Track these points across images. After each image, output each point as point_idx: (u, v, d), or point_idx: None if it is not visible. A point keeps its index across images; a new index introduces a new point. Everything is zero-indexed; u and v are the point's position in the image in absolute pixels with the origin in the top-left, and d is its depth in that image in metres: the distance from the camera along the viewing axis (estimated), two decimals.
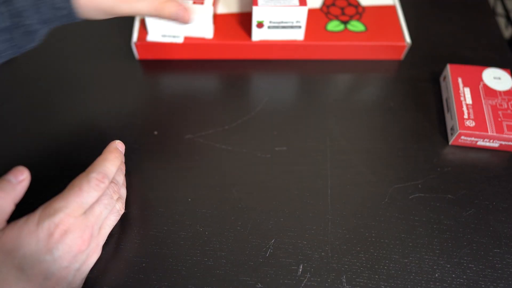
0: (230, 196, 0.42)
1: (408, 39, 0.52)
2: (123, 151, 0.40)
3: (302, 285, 0.37)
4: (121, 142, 0.39)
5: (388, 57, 0.54)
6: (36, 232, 0.30)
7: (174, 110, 0.48)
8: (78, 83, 0.50)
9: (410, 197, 0.43)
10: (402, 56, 0.54)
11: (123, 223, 0.40)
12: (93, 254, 0.34)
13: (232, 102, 0.50)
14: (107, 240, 0.37)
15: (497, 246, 0.40)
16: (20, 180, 0.34)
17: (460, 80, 0.48)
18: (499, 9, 0.74)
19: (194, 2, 0.48)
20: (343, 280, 0.38)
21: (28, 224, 0.30)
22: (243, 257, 0.39)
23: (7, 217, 0.33)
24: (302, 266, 0.38)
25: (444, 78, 0.51)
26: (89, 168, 0.35)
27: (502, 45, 0.56)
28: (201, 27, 0.49)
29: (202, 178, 0.43)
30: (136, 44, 0.50)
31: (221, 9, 0.54)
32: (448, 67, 0.50)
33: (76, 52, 0.53)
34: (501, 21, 0.73)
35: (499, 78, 0.49)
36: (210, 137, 0.46)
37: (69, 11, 0.34)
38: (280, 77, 0.52)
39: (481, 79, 0.48)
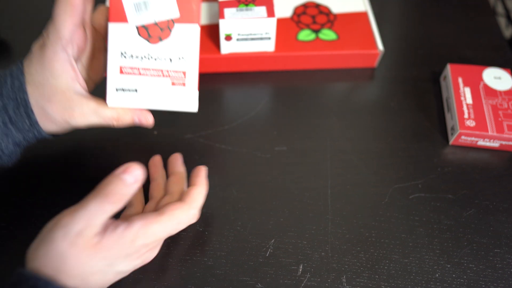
0: (230, 196, 0.42)
1: (380, 46, 0.51)
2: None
3: (302, 285, 0.37)
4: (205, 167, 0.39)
5: (361, 65, 0.53)
6: (128, 248, 0.32)
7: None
8: None
9: (410, 197, 0.43)
10: (375, 63, 0.53)
11: None
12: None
13: (231, 102, 0.49)
14: None
15: (498, 246, 0.40)
16: (136, 179, 0.32)
17: (460, 80, 0.48)
18: (500, 9, 0.74)
19: (173, 84, 0.37)
20: (343, 280, 0.38)
21: (125, 237, 0.32)
22: (243, 257, 0.39)
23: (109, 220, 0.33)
24: (302, 266, 0.38)
25: (444, 78, 0.51)
26: (190, 199, 0.35)
27: (503, 45, 0.56)
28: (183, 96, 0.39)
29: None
30: None
31: None
32: (449, 67, 0.50)
33: None
34: (502, 20, 0.73)
35: (500, 78, 0.49)
36: (210, 137, 0.46)
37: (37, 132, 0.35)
38: (279, 82, 0.52)
39: (481, 79, 0.48)
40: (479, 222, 0.41)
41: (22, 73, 0.33)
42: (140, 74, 0.35)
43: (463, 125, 0.45)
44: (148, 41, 0.35)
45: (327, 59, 0.52)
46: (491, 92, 0.47)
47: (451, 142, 0.47)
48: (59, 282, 0.30)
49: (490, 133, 0.44)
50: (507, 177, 0.45)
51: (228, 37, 0.48)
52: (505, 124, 0.45)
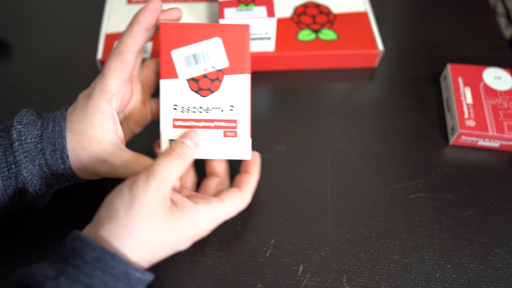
0: None
1: (380, 46, 0.51)
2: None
3: (302, 285, 0.37)
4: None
5: (361, 65, 0.53)
6: (193, 228, 0.33)
7: None
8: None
9: (411, 197, 0.43)
10: (375, 63, 0.53)
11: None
12: None
13: None
14: None
15: (498, 246, 0.40)
16: (195, 143, 0.35)
17: (460, 79, 0.48)
18: (500, 9, 0.74)
19: (225, 135, 0.37)
20: (343, 280, 0.38)
21: (191, 216, 0.32)
22: (243, 257, 0.39)
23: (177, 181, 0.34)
24: (302, 266, 0.38)
25: (445, 77, 0.50)
26: (248, 187, 0.37)
27: (503, 45, 0.56)
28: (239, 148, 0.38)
29: (202, 178, 0.43)
30: (101, 61, 0.49)
31: (189, 21, 0.51)
32: (449, 67, 0.50)
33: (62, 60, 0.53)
34: (502, 20, 0.73)
35: (500, 78, 0.49)
36: None
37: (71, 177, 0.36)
38: (278, 81, 0.52)
39: (481, 79, 0.48)
40: (479, 222, 0.41)
41: (64, 119, 0.34)
42: (192, 126, 0.36)
43: (463, 125, 0.45)
44: (198, 93, 0.36)
45: (327, 59, 0.52)
46: (491, 92, 0.47)
47: (451, 142, 0.47)
48: (126, 256, 0.29)
49: (490, 133, 0.44)
50: (507, 177, 0.44)
51: None
52: (505, 124, 0.45)
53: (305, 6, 0.54)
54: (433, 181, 0.44)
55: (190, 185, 0.39)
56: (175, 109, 0.36)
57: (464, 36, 0.57)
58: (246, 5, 0.47)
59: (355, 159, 0.45)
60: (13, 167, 0.33)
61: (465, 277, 0.38)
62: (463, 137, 0.45)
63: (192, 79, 0.36)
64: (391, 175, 0.44)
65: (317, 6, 0.55)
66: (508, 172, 0.45)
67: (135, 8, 0.53)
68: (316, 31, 0.52)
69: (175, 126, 0.36)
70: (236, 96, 0.36)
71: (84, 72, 0.51)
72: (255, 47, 0.49)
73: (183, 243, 0.33)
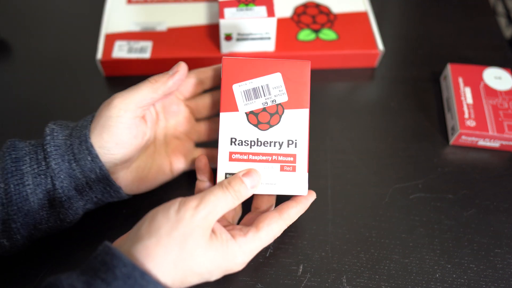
0: None
1: (380, 46, 0.51)
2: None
3: (302, 285, 0.37)
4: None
5: (361, 65, 0.53)
6: (229, 261, 0.32)
7: None
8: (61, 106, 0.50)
9: (411, 197, 0.43)
10: (375, 63, 0.53)
11: (119, 223, 0.40)
12: None
13: None
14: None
15: (498, 246, 0.40)
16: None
17: (460, 79, 0.48)
18: (500, 9, 0.74)
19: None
20: (343, 280, 0.38)
21: (229, 248, 0.32)
22: None
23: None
24: (302, 266, 0.38)
25: (445, 77, 0.50)
26: (289, 216, 0.35)
27: (503, 45, 0.56)
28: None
29: None
30: (101, 61, 0.49)
31: (189, 21, 0.52)
32: (449, 67, 0.50)
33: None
34: (502, 20, 0.72)
35: (500, 78, 0.48)
36: None
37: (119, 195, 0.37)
38: None
39: (481, 79, 0.48)
40: (479, 222, 0.41)
41: (91, 117, 0.36)
42: (249, 160, 0.36)
43: (463, 125, 0.45)
44: (257, 127, 0.36)
45: (327, 59, 0.52)
46: (491, 92, 0.47)
47: (451, 142, 0.46)
48: (157, 277, 0.28)
49: (490, 133, 0.44)
50: (507, 177, 0.44)
51: (228, 37, 0.48)
52: (505, 124, 0.45)
53: (305, 6, 0.54)
54: (433, 181, 0.44)
55: (231, 218, 0.38)
56: (233, 142, 0.36)
57: (464, 36, 0.57)
58: (246, 5, 0.47)
59: (355, 159, 0.45)
60: (43, 164, 0.33)
61: (465, 277, 0.38)
62: (463, 137, 0.45)
63: (252, 112, 0.36)
64: (391, 175, 0.44)
65: (317, 6, 0.55)
66: (508, 172, 0.45)
67: (135, 8, 0.53)
68: (316, 31, 0.52)
69: (231, 159, 0.36)
70: (295, 130, 0.36)
71: (84, 72, 0.51)
72: (255, 47, 0.49)
73: (216, 275, 0.32)
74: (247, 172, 0.34)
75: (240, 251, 0.32)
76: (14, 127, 0.46)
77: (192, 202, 0.30)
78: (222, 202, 0.31)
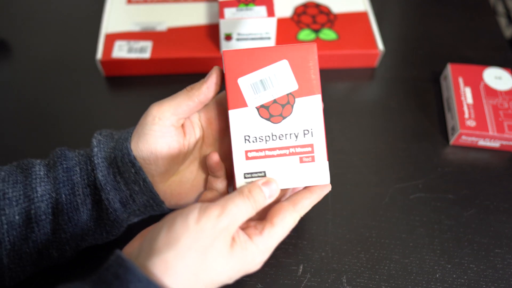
0: None
1: (380, 46, 0.51)
2: None
3: (302, 285, 0.37)
4: None
5: (361, 65, 0.53)
6: (249, 264, 0.31)
7: None
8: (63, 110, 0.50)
9: (411, 197, 0.43)
10: (375, 63, 0.53)
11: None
12: None
13: None
14: (108, 242, 0.37)
15: (498, 246, 0.40)
16: (271, 195, 0.33)
17: (460, 79, 0.48)
18: (500, 9, 0.74)
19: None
20: (343, 280, 0.38)
21: (248, 251, 0.31)
22: None
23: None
24: (302, 266, 0.38)
25: (445, 77, 0.50)
26: (302, 207, 0.34)
27: (503, 45, 0.56)
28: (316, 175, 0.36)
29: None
30: (101, 61, 0.49)
31: (189, 21, 0.52)
32: (449, 67, 0.50)
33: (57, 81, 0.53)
34: (502, 20, 0.72)
35: (500, 78, 0.48)
36: None
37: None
38: None
39: (482, 79, 0.48)
40: (479, 222, 0.41)
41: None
42: (266, 156, 0.34)
43: (463, 125, 0.45)
44: (270, 120, 0.34)
45: (327, 59, 0.52)
46: (491, 92, 0.47)
47: (451, 142, 0.46)
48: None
49: (490, 133, 0.44)
50: (507, 177, 0.44)
51: (228, 37, 0.48)
52: (505, 124, 0.45)
53: (305, 6, 0.54)
54: (433, 181, 0.44)
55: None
56: (247, 140, 0.34)
57: (464, 36, 0.57)
58: (246, 5, 0.47)
59: (355, 159, 0.45)
60: (92, 175, 0.33)
61: (465, 277, 0.38)
62: (463, 137, 0.45)
63: (262, 106, 0.34)
64: (391, 175, 0.44)
65: (317, 6, 0.55)
66: (508, 172, 0.45)
67: (135, 8, 0.53)
68: (316, 31, 0.52)
69: (248, 158, 0.34)
70: (309, 119, 0.34)
71: (84, 72, 0.51)
72: (256, 46, 0.49)
73: (234, 278, 0.31)
74: (266, 182, 0.33)
75: (258, 252, 0.31)
76: (14, 127, 0.46)
77: (213, 211, 0.29)
78: (243, 211, 0.30)
